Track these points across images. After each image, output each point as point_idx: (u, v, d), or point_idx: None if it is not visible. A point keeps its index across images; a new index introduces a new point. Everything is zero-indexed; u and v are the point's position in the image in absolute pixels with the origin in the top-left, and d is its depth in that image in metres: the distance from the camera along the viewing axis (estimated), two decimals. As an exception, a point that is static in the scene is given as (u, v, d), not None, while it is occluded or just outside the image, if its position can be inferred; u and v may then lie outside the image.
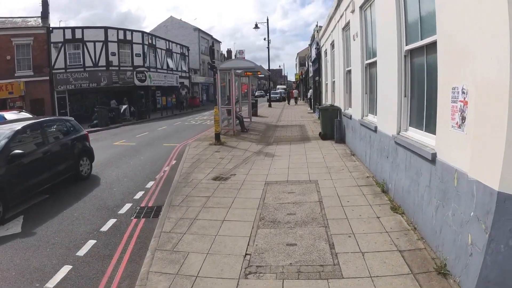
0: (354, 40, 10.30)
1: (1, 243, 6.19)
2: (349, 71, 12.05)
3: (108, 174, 10.82)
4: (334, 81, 15.78)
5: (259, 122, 22.44)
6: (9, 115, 17.14)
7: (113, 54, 32.37)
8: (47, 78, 29.69)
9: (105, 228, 6.69)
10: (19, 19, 31.72)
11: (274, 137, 15.63)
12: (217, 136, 14.00)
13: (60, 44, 30.30)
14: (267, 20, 43.62)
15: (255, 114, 26.06)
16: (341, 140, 13.20)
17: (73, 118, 11.45)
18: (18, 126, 8.71)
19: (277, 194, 7.49)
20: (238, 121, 17.26)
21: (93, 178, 10.53)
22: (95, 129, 24.44)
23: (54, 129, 10.10)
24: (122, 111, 29.14)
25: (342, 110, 13.38)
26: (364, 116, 9.84)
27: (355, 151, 11.13)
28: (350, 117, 11.61)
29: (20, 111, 19.42)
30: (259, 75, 26.57)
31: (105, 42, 32.14)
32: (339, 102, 13.95)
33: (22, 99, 29.15)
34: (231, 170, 9.74)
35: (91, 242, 6.01)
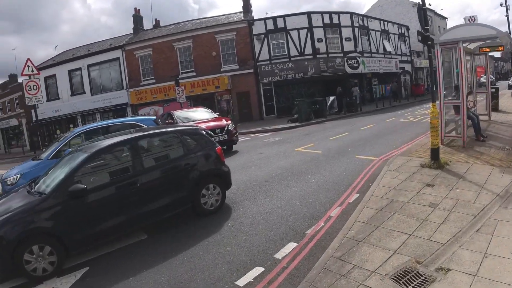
0: None
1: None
2: None
3: (247, 209, 7.45)
4: None
5: (502, 122, 13.53)
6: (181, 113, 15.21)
7: (320, 40, 29.25)
8: (252, 71, 29.38)
9: None
10: (222, 16, 33.00)
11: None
12: (435, 153, 8.25)
13: (262, 36, 29.43)
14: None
15: (495, 108, 16.37)
16: None
17: (198, 129, 8.18)
18: (100, 146, 6.56)
19: None
20: (470, 122, 10.64)
21: (223, 214, 7.33)
22: (292, 125, 21.67)
23: (157, 147, 7.45)
24: (329, 103, 25.18)
25: None
26: None
27: None
28: None
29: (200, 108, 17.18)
30: (497, 52, 17.80)
31: (310, 28, 29.44)
32: None
33: (229, 93, 29.80)
34: (442, 252, 4.51)
35: None
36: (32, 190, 6.27)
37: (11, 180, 10.09)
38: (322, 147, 12.91)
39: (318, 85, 29.34)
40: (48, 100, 36.71)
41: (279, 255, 5.22)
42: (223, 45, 29.99)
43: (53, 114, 36.39)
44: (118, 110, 34.05)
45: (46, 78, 36.71)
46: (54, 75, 36.59)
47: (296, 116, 22.87)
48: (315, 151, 12.31)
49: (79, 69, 35.28)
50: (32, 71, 13.56)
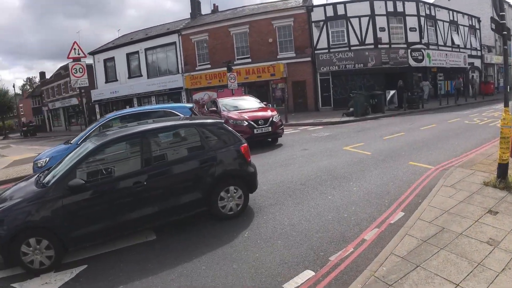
0: None
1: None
2: None
3: (271, 217, 6.54)
4: None
5: None
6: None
7: (382, 29, 27.07)
8: (309, 59, 27.91)
9: None
10: (280, 2, 31.56)
11: None
12: (503, 169, 6.60)
13: (321, 23, 27.63)
14: None
15: None
16: None
17: (221, 123, 7.13)
18: (106, 139, 6.10)
19: None
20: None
21: (243, 220, 6.53)
22: (346, 119, 20.32)
23: (171, 141, 6.77)
24: (389, 98, 23.40)
25: None
26: None
27: None
28: None
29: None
30: None
31: (372, 16, 27.25)
32: None
33: (284, 81, 28.60)
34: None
35: None
36: (39, 180, 6.00)
37: (41, 162, 9.93)
38: (373, 148, 11.56)
39: (378, 78, 27.30)
40: (106, 82, 37.98)
41: (289, 286, 4.28)
42: (280, 31, 28.77)
43: (111, 95, 37.58)
44: (173, 94, 34.31)
45: (105, 61, 38.02)
46: (113, 58, 37.76)
47: (351, 109, 21.37)
48: (364, 152, 11.04)
49: (137, 52, 35.95)
50: (79, 54, 13.43)
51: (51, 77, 53.04)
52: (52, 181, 5.59)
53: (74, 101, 43.17)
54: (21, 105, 75.35)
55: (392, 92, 23.77)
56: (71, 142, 10.15)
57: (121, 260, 5.50)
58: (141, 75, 36.10)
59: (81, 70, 13.46)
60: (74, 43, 13.45)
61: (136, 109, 12.42)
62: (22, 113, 74.95)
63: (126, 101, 37.07)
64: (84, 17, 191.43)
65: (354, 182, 8.01)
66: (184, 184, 6.22)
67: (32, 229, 5.25)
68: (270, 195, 7.65)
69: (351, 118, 20.41)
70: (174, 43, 33.73)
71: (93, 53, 39.60)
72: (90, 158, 5.81)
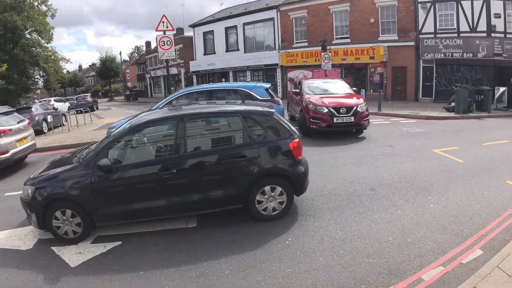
0: None
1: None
2: None
3: (322, 225, 6.08)
4: None
5: None
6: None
7: (497, 16, 23.14)
8: (413, 44, 25.72)
9: None
10: None
11: None
12: None
13: (428, 4, 24.65)
14: None
15: None
16: None
17: (271, 113, 6.43)
18: (139, 121, 6.22)
19: None
20: None
21: (289, 222, 6.17)
22: (445, 115, 18.76)
23: (209, 129, 6.48)
24: (497, 95, 20.84)
25: None
26: None
27: None
28: None
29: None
30: None
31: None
32: None
33: (384, 65, 26.99)
34: None
35: None
36: (78, 155, 6.38)
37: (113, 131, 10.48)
38: (467, 155, 10.28)
39: (488, 71, 23.86)
40: (204, 54, 39.40)
41: None
42: (383, 11, 26.68)
43: (208, 67, 38.98)
44: (268, 70, 34.51)
45: (204, 34, 39.56)
46: (212, 31, 39.11)
47: (452, 104, 19.41)
48: (455, 159, 9.88)
49: (235, 27, 36.63)
50: (167, 27, 13.78)
51: (155, 47, 56.01)
52: (85, 158, 5.91)
53: (174, 70, 45.18)
54: (127, 71, 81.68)
55: (502, 89, 20.89)
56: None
57: (154, 243, 5.64)
58: (238, 49, 36.75)
59: (168, 43, 13.94)
60: (162, 16, 13.94)
61: (210, 85, 12.44)
62: (128, 79, 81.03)
63: (222, 74, 38.13)
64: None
65: (433, 197, 7.14)
66: (217, 176, 5.92)
67: (63, 200, 5.63)
68: (332, 197, 7.21)
69: (451, 114, 18.58)
70: (272, 18, 33.53)
71: (193, 26, 41.17)
72: (121, 139, 5.93)
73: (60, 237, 5.74)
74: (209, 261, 5.02)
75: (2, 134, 10.61)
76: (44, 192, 5.60)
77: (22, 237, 6.11)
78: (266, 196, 6.09)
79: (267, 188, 6.06)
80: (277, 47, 33.65)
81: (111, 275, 4.88)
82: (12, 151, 10.79)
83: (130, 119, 7.15)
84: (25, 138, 11.75)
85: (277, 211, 6.20)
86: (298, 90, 14.97)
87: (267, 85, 12.03)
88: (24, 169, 11.52)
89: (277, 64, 33.67)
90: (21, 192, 6.05)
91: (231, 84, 12.83)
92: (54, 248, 5.66)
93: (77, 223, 5.69)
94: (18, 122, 11.82)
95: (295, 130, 6.53)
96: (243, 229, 5.96)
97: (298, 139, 6.30)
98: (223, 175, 5.93)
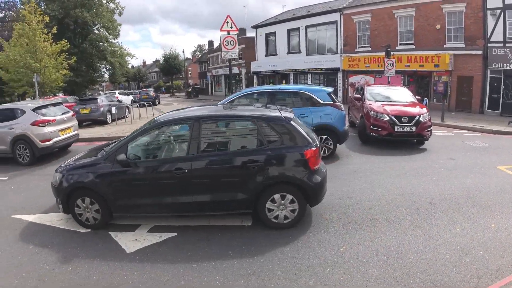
0: None
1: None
2: None
3: (378, 235, 6.02)
4: None
5: None
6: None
7: None
8: (480, 52, 24.15)
9: None
10: None
11: None
12: None
13: (498, 11, 22.95)
14: None
15: None
16: None
17: (288, 119, 6.35)
18: (155, 121, 6.77)
19: None
20: None
21: (348, 229, 6.26)
22: (498, 129, 17.44)
23: (223, 132, 6.80)
24: None
25: None
26: None
27: None
28: None
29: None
30: None
31: None
32: None
33: (449, 74, 25.87)
34: None
35: None
36: (106, 148, 6.89)
37: None
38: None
39: None
40: (266, 55, 40.05)
41: None
42: (450, 17, 25.48)
43: (269, 68, 39.62)
44: (329, 74, 34.52)
45: (267, 35, 40.23)
46: (274, 33, 39.61)
47: (513, 121, 18.71)
48: (518, 177, 9.70)
49: (298, 29, 36.86)
50: (231, 27, 14.35)
51: (217, 46, 57.40)
52: (107, 152, 6.45)
53: (235, 70, 46.19)
54: (190, 68, 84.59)
55: None
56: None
57: (209, 238, 5.94)
58: (299, 52, 36.98)
59: (232, 43, 14.48)
60: (227, 17, 14.48)
61: (270, 87, 12.59)
62: (190, 76, 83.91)
63: (283, 75, 38.61)
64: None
65: (495, 217, 6.90)
66: (226, 180, 6.05)
67: (84, 189, 6.22)
68: (390, 208, 7.21)
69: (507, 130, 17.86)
70: (335, 22, 33.28)
71: (256, 27, 41.94)
72: (139, 136, 6.37)
73: (82, 223, 6.44)
74: (262, 261, 5.13)
75: (46, 123, 11.76)
76: (70, 180, 6.26)
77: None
78: (276, 204, 6.06)
79: (276, 196, 6.03)
80: (339, 51, 33.41)
81: (164, 264, 5.17)
82: (54, 139, 12.03)
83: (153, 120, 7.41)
84: (68, 128, 12.99)
85: (289, 220, 6.16)
86: (359, 96, 14.89)
87: (330, 89, 11.82)
88: (64, 156, 12.75)
89: (338, 68, 33.43)
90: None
91: (294, 87, 12.97)
92: (112, 233, 6.26)
93: (96, 209, 6.26)
94: (62, 113, 13.05)
95: (314, 138, 6.51)
96: (297, 232, 6.09)
97: (315, 148, 6.16)
98: (232, 179, 6.03)
